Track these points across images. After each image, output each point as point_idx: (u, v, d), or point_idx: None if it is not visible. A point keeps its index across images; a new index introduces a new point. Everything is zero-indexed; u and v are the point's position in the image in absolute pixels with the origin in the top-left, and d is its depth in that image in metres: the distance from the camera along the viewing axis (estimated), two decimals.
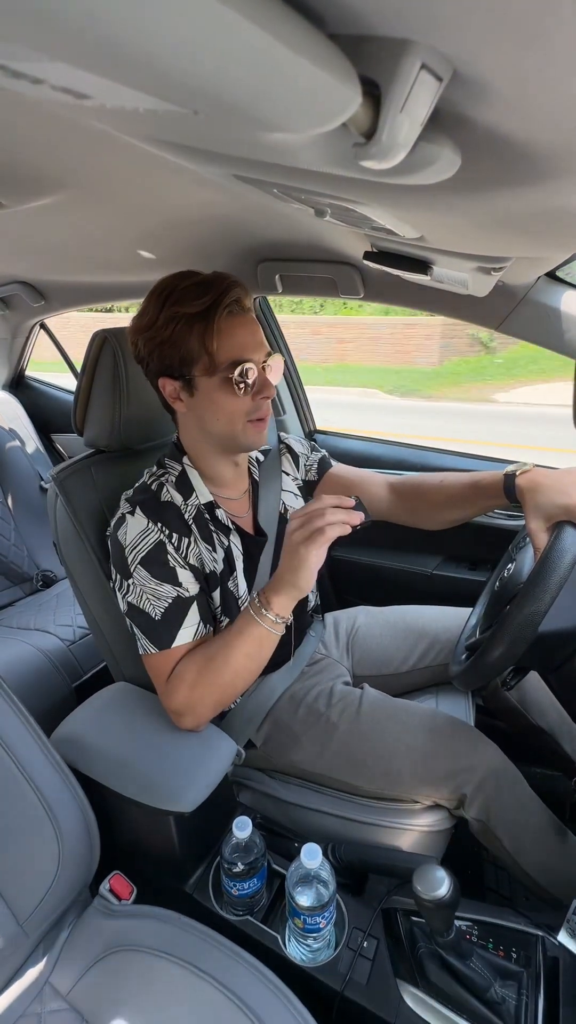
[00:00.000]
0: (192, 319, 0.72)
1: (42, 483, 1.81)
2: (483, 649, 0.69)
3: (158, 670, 0.76)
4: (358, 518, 0.68)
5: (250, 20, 0.16)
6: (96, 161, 0.62)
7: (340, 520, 0.67)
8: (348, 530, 0.67)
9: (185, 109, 0.23)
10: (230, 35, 0.17)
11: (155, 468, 0.85)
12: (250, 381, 0.74)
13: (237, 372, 0.73)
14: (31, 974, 0.67)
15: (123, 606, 0.77)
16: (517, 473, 0.79)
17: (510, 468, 0.81)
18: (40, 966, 0.68)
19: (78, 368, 1.37)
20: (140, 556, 0.74)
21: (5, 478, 1.75)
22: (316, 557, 0.67)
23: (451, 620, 1.08)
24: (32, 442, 1.89)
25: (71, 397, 0.94)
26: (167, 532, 0.76)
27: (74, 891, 0.72)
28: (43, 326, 2.01)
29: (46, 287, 1.61)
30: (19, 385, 2.17)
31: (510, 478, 0.80)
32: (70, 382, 1.99)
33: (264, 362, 0.76)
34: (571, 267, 0.90)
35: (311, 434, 1.64)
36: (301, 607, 1.02)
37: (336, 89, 0.21)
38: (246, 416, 0.77)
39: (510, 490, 0.80)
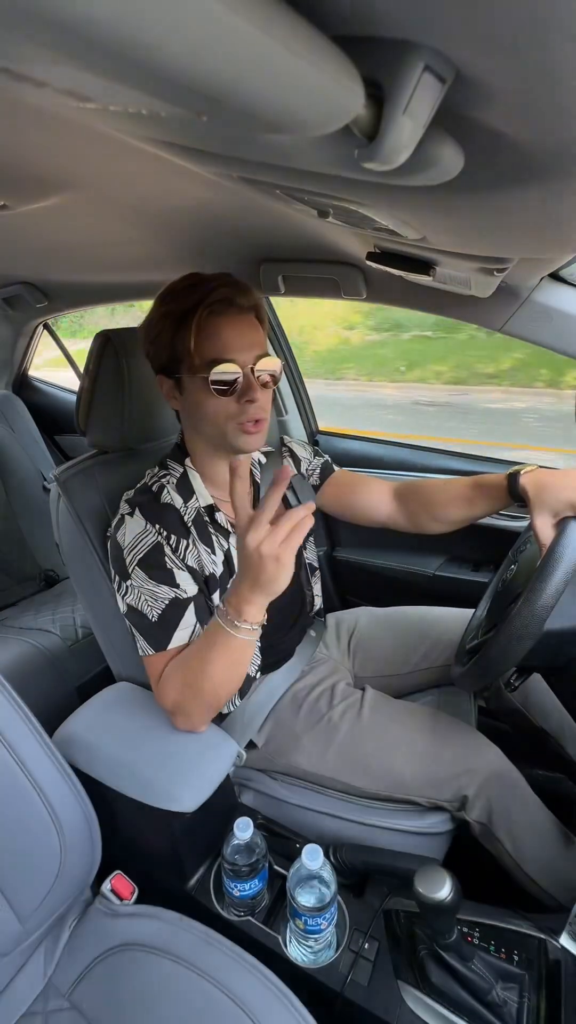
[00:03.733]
0: (178, 318, 0.72)
1: (45, 483, 1.81)
2: (487, 647, 0.69)
3: (154, 671, 0.76)
4: (311, 506, 0.63)
5: (253, 23, 0.16)
6: (99, 162, 0.62)
7: (302, 514, 0.62)
8: (312, 521, 0.63)
9: (188, 112, 0.23)
10: (233, 39, 0.17)
11: (156, 469, 0.85)
12: (228, 381, 0.72)
13: (213, 372, 0.71)
14: (32, 973, 0.67)
15: (122, 607, 0.77)
16: (521, 472, 0.79)
17: (513, 468, 0.81)
18: (41, 965, 0.68)
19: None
20: (138, 558, 0.74)
21: (8, 478, 1.75)
22: (294, 559, 0.63)
23: (453, 621, 1.08)
24: (35, 442, 1.89)
25: (74, 398, 0.94)
26: (165, 534, 0.76)
27: (76, 891, 0.73)
28: (46, 326, 2.01)
29: (49, 287, 1.62)
30: (22, 385, 2.17)
31: (514, 477, 0.80)
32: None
33: (253, 364, 0.74)
34: (574, 268, 0.90)
35: (313, 434, 1.64)
36: (301, 607, 1.02)
37: (339, 91, 0.21)
38: (232, 419, 0.74)
39: (514, 490, 0.80)
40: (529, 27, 0.19)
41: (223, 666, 0.70)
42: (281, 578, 0.63)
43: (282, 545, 0.61)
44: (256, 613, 0.67)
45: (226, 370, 0.71)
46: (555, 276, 0.90)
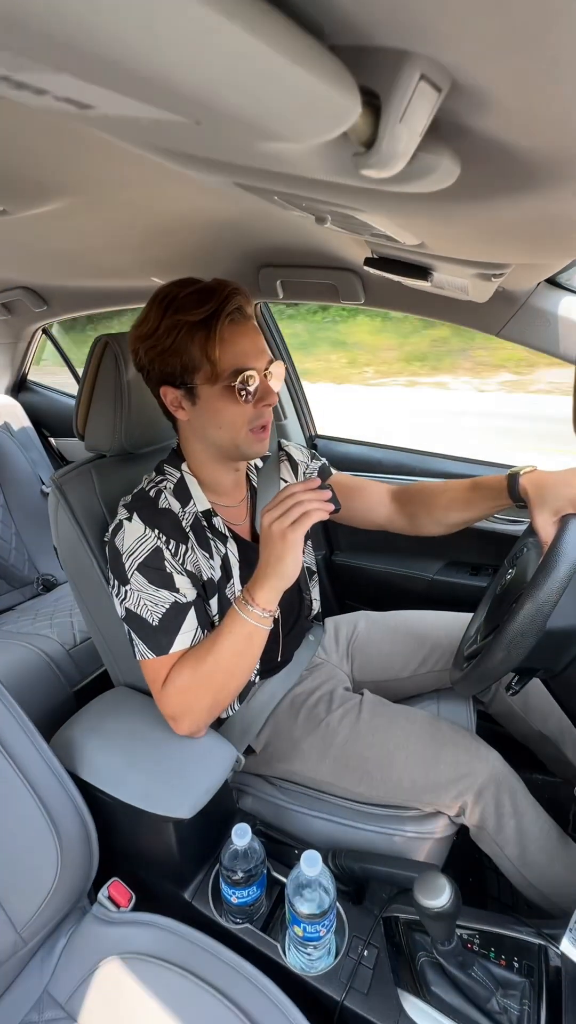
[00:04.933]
0: (194, 327, 0.71)
1: (43, 487, 1.81)
2: (488, 646, 0.69)
3: (154, 675, 0.76)
4: (331, 506, 0.70)
5: (252, 33, 0.16)
6: (98, 168, 0.63)
7: (317, 506, 0.68)
8: (326, 515, 0.69)
9: (187, 119, 0.23)
10: (232, 48, 0.17)
11: (154, 474, 0.85)
12: (252, 389, 0.74)
13: (239, 380, 0.72)
14: (29, 982, 0.67)
15: (121, 611, 0.77)
16: (521, 473, 0.80)
17: (513, 470, 0.82)
18: (38, 974, 0.67)
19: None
20: (137, 562, 0.74)
21: (6, 482, 1.75)
22: (301, 543, 0.69)
23: (452, 625, 1.08)
24: (34, 446, 1.89)
25: (73, 402, 0.94)
26: (164, 539, 0.76)
27: (72, 898, 0.72)
28: (45, 331, 2.02)
29: (48, 292, 1.62)
30: (21, 389, 2.18)
31: (513, 478, 0.81)
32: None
33: (266, 369, 0.76)
34: (571, 273, 0.90)
35: (311, 439, 1.65)
36: (299, 610, 1.02)
37: (336, 99, 0.21)
38: (248, 424, 0.76)
39: (514, 490, 0.80)
40: (525, 35, 0.20)
41: (233, 654, 0.72)
42: (287, 558, 0.68)
43: (290, 526, 0.67)
44: (268, 598, 0.71)
45: (250, 376, 0.73)
46: (552, 281, 0.91)
